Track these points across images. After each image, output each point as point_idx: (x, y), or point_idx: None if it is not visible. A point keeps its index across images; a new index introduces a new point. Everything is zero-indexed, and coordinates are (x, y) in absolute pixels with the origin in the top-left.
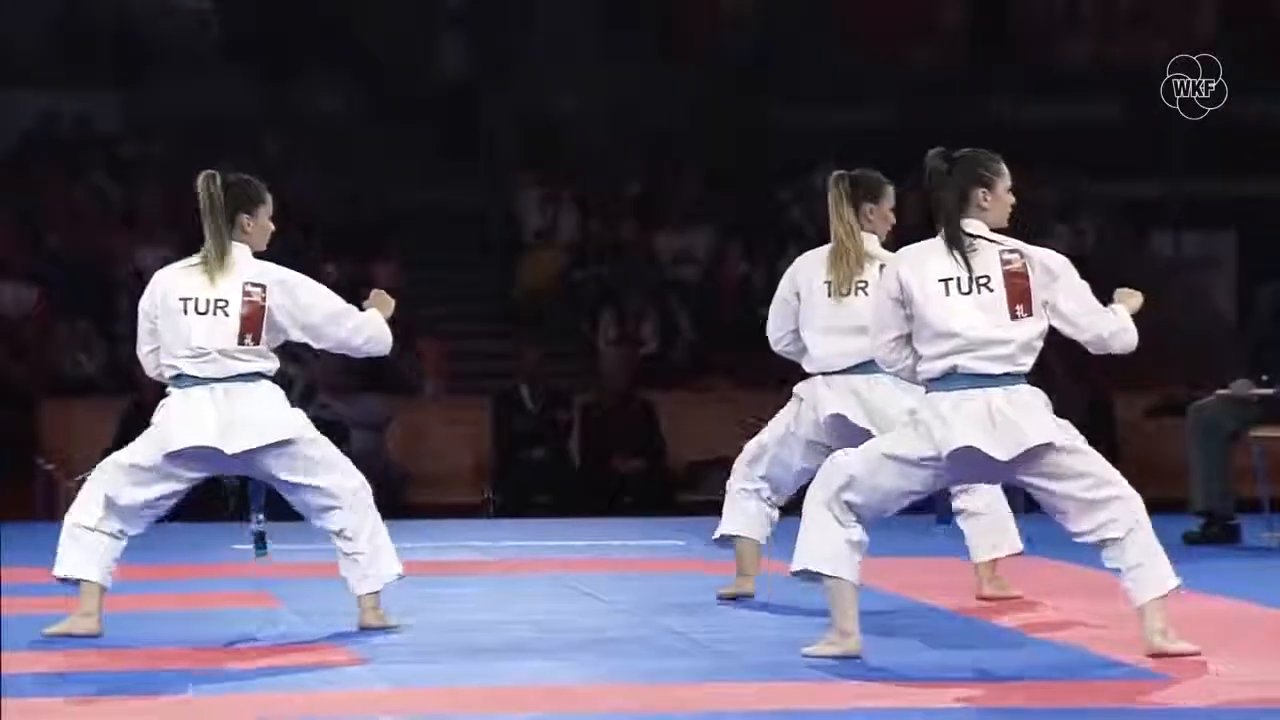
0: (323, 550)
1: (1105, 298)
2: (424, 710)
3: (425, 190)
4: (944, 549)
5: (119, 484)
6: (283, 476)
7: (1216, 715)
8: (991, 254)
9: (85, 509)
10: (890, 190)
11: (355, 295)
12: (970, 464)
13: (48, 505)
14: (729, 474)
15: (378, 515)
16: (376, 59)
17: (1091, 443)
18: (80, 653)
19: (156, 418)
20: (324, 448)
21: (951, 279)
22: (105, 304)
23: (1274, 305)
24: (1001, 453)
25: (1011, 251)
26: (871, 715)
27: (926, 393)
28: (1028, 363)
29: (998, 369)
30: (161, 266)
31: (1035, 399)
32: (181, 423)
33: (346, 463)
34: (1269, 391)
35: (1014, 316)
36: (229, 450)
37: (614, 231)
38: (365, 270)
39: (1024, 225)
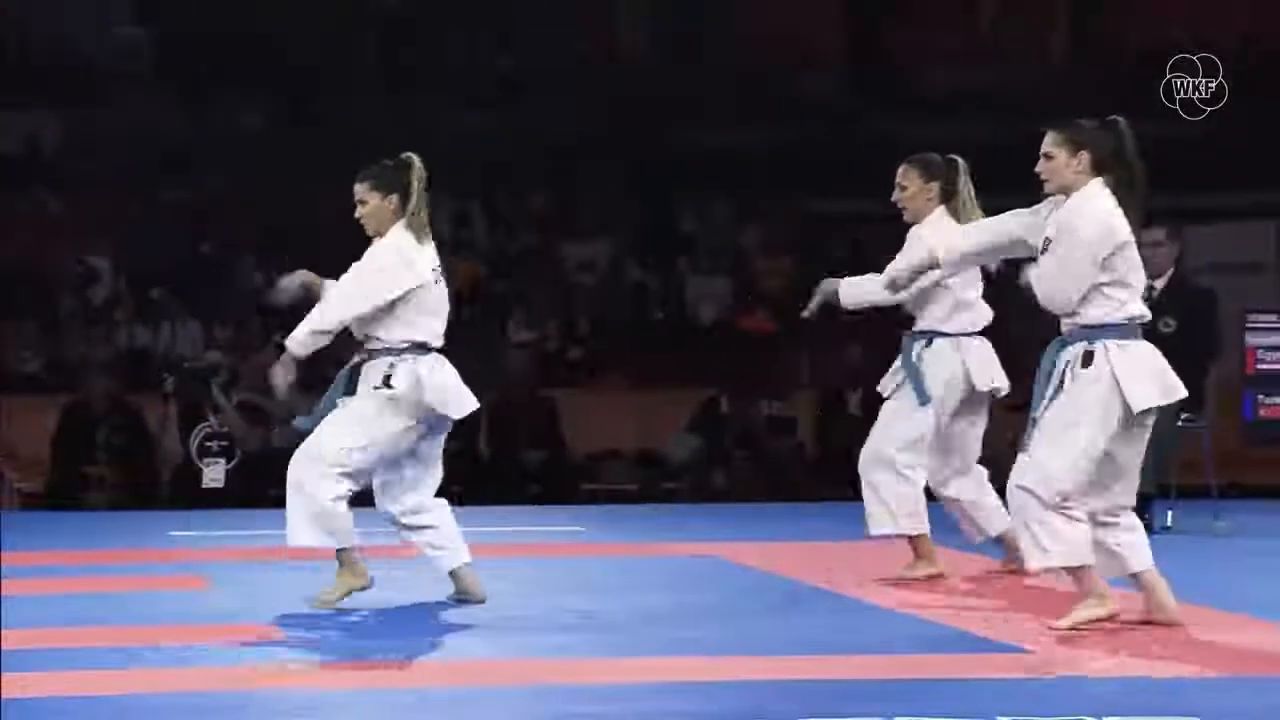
0: (251, 536)
1: None
2: (351, 685)
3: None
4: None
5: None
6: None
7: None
8: None
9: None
10: None
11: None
12: None
13: None
14: (623, 466)
15: None
16: (295, 76)
17: None
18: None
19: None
20: None
21: None
22: (47, 306)
23: None
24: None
25: None
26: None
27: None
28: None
29: None
30: (101, 271)
31: None
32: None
33: None
34: None
35: None
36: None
37: (521, 242)
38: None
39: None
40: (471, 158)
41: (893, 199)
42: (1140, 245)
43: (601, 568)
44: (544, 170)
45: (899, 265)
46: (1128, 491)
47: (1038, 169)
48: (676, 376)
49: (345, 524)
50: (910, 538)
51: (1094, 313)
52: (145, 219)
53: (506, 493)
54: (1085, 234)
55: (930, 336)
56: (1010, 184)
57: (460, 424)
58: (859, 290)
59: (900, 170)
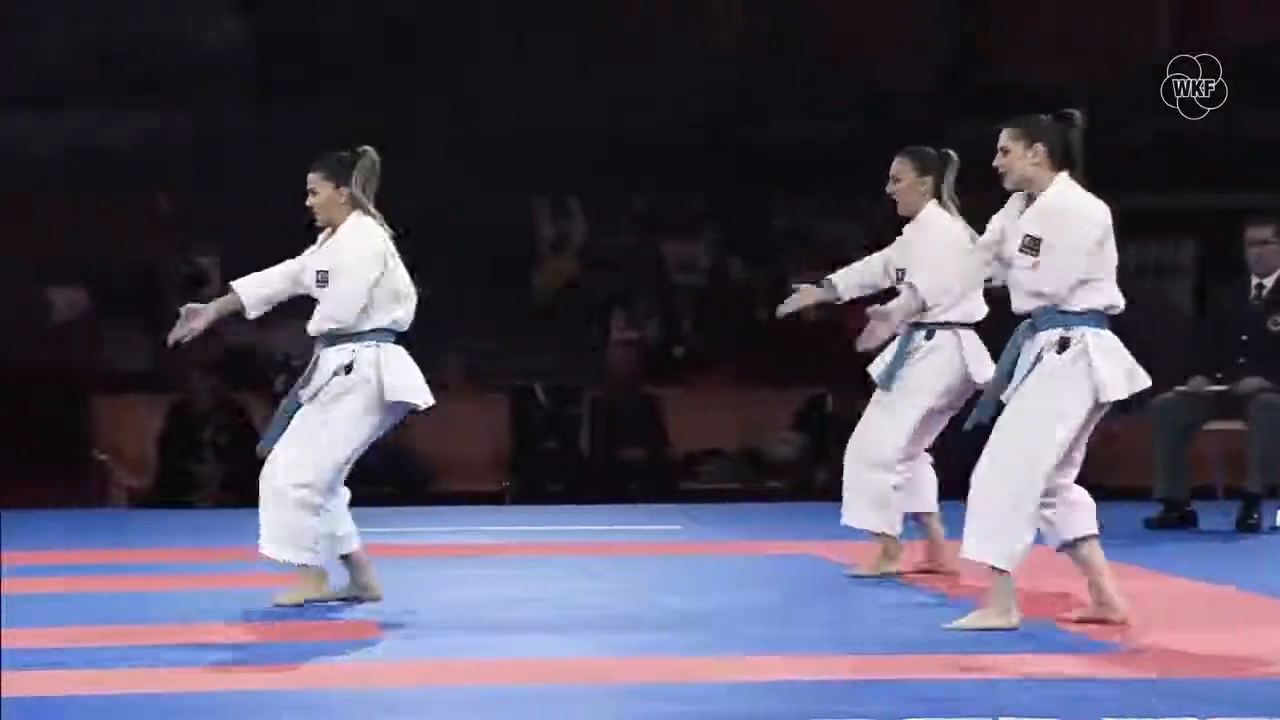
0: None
1: None
2: (454, 681)
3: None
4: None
5: None
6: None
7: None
8: None
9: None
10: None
11: None
12: None
13: (100, 494)
14: (725, 464)
15: None
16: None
17: None
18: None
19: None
20: None
21: None
22: (152, 305)
23: (1225, 308)
24: None
25: None
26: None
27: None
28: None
29: None
30: (210, 270)
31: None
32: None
33: None
34: (1222, 388)
35: None
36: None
37: (621, 240)
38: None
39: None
40: (570, 156)
41: (886, 190)
42: (1250, 244)
43: (700, 567)
44: (643, 168)
45: (893, 305)
46: (1071, 470)
47: (995, 163)
48: (780, 375)
49: (320, 539)
50: (881, 535)
51: (1077, 300)
52: (253, 219)
53: (607, 491)
54: (1075, 225)
55: (931, 329)
56: (1100, 183)
57: (563, 421)
58: (854, 278)
59: (895, 162)
